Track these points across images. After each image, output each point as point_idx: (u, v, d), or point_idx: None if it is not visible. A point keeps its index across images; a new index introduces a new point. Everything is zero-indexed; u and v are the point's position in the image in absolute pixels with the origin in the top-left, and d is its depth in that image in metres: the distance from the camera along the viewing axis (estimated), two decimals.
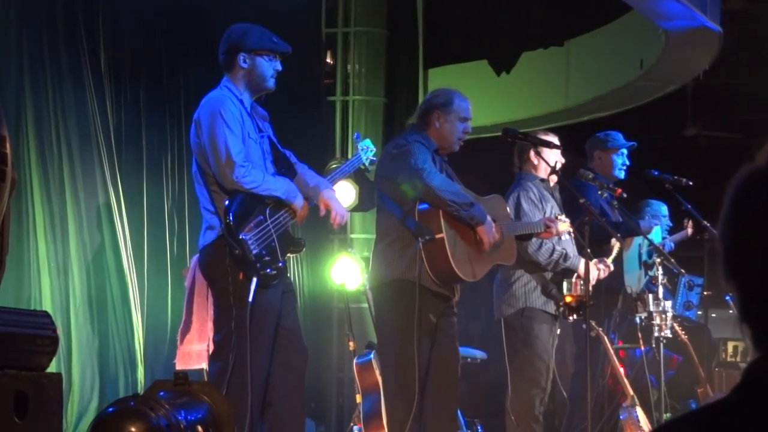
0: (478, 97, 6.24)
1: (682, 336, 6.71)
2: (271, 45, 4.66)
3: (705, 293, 8.24)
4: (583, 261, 5.44)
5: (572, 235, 5.73)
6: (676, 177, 6.45)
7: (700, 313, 8.55)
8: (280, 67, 4.69)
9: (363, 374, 5.98)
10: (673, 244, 7.47)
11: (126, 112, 6.94)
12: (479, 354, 7.13)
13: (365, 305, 6.76)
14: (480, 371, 8.21)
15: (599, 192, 6.02)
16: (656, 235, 6.78)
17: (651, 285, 6.28)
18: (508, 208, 5.50)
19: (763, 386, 1.19)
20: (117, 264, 6.68)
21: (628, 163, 6.44)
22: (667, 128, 11.34)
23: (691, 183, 6.46)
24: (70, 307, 6.43)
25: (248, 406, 4.37)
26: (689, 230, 7.83)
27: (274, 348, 4.58)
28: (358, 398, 6.06)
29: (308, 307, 8.14)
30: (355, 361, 6.12)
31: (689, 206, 6.64)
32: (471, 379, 8.04)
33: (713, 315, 8.76)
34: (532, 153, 5.72)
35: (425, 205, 4.90)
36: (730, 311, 8.20)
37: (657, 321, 5.77)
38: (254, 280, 4.44)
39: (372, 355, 5.95)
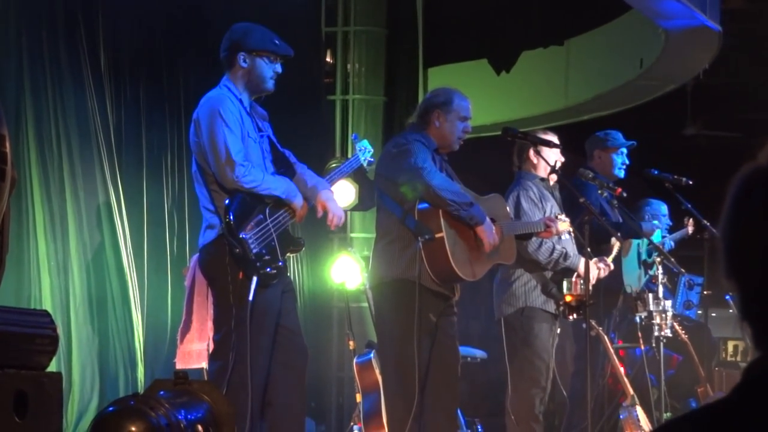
0: (477, 97, 6.24)
1: (682, 335, 6.71)
2: (272, 47, 4.63)
3: (705, 292, 8.23)
4: (583, 260, 5.44)
5: (572, 234, 5.72)
6: (675, 176, 6.45)
7: (700, 312, 8.55)
8: (280, 70, 4.67)
9: (363, 373, 5.98)
10: (673, 243, 7.45)
11: (126, 111, 6.93)
12: (479, 353, 7.13)
13: (365, 304, 6.75)
14: (480, 371, 8.22)
15: (599, 191, 6.01)
16: (656, 235, 6.77)
17: (651, 284, 6.28)
18: (507, 208, 5.49)
19: (763, 386, 1.19)
20: (117, 263, 6.67)
21: (627, 162, 6.43)
22: (667, 127, 11.34)
23: (690, 182, 6.46)
24: (70, 306, 6.42)
25: (248, 406, 4.37)
26: (690, 228, 7.81)
27: (274, 347, 4.57)
28: (358, 397, 6.06)
29: (308, 307, 8.14)
30: (355, 360, 6.12)
31: (689, 205, 6.64)
32: (471, 379, 8.05)
33: (713, 314, 8.75)
34: (531, 152, 5.71)
35: (425, 205, 4.90)
36: (730, 310, 8.19)
37: (657, 320, 5.77)
38: (254, 279, 4.44)
39: (372, 355, 5.95)
